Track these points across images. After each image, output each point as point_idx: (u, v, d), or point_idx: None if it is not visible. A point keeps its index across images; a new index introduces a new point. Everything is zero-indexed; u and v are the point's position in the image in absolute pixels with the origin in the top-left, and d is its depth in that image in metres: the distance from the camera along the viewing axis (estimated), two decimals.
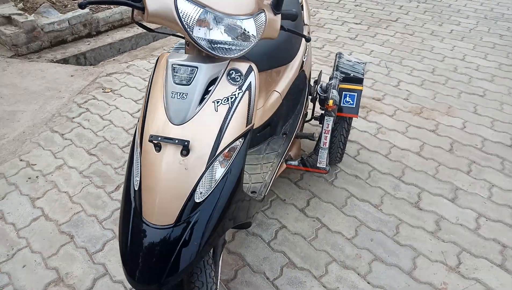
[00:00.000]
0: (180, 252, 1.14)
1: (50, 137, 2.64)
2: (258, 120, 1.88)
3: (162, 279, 1.12)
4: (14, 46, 3.65)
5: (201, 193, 1.17)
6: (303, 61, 2.08)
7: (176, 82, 1.19)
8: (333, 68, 2.08)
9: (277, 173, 1.87)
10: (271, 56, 1.80)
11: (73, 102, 3.03)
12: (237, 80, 1.25)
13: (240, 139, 1.24)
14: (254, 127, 1.84)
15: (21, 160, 2.44)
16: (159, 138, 1.15)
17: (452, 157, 2.45)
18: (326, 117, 1.89)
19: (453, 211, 2.08)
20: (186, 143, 1.14)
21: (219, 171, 1.20)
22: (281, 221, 2.04)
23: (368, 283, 1.73)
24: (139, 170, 1.22)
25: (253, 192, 1.72)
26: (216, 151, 1.18)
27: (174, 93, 1.18)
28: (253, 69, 1.28)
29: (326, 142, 1.93)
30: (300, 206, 2.12)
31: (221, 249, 1.47)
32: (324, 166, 1.98)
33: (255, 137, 1.94)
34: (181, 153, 1.15)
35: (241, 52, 1.18)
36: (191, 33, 1.11)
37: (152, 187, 1.16)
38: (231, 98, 1.23)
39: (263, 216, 2.07)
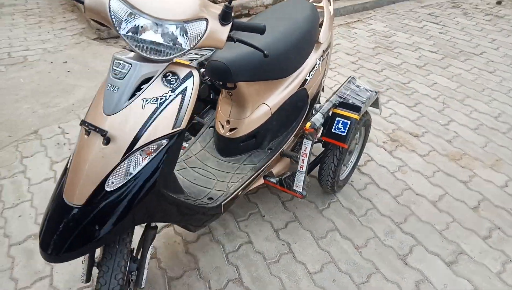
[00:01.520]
0: (81, 232, 1.20)
1: None
2: (242, 130, 1.88)
3: (60, 253, 1.20)
4: (97, 30, 4.16)
5: (112, 183, 1.22)
6: (306, 79, 2.00)
7: (113, 75, 1.25)
8: (335, 92, 1.97)
9: (248, 186, 1.84)
10: (265, 67, 1.77)
11: None
12: (172, 83, 1.27)
13: (165, 140, 1.26)
14: (237, 136, 1.85)
15: (59, 127, 2.79)
16: (86, 124, 1.23)
17: (474, 216, 2.11)
18: (304, 140, 1.80)
19: (444, 276, 1.79)
20: (104, 133, 1.20)
21: (137, 166, 1.24)
22: (251, 236, 1.99)
23: None
24: (74, 151, 1.32)
25: (210, 198, 1.72)
26: (133, 147, 1.22)
27: (110, 85, 1.25)
28: (193, 75, 1.29)
29: (303, 166, 1.83)
30: (276, 227, 2.05)
31: (149, 243, 1.49)
32: (300, 190, 1.87)
33: (237, 146, 1.93)
34: (103, 142, 1.22)
35: (171, 56, 1.20)
36: (118, 29, 1.17)
37: (75, 168, 1.25)
38: (161, 99, 1.25)
39: (235, 227, 2.04)
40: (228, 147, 1.94)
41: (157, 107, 1.25)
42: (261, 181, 1.95)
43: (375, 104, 2.31)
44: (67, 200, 1.23)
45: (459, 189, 2.29)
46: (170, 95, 1.26)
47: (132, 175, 1.23)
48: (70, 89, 3.26)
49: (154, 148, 1.25)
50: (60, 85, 3.33)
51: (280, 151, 1.96)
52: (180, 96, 1.27)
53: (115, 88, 1.23)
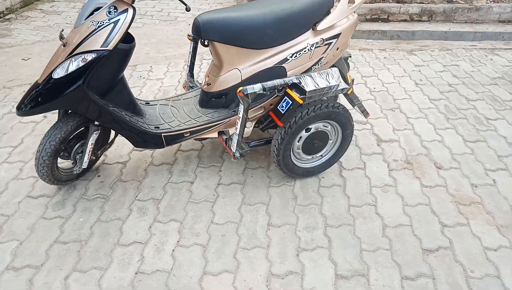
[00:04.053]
0: (35, 100, 1.82)
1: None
2: (215, 86, 2.19)
3: (24, 110, 1.84)
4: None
5: (57, 73, 1.79)
6: (287, 59, 2.11)
7: (84, 4, 1.82)
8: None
9: (196, 132, 2.14)
10: (239, 34, 2.01)
11: None
12: (111, 14, 1.74)
13: (94, 54, 1.76)
14: (210, 91, 2.19)
15: (150, 66, 3.62)
16: (62, 31, 1.84)
17: (416, 259, 1.82)
18: (240, 104, 1.95)
19: None
20: (62, 38, 1.79)
21: (71, 67, 1.77)
22: (197, 179, 2.29)
23: None
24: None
25: (156, 127, 2.12)
26: (73, 52, 1.76)
27: (82, 7, 1.82)
28: (127, 12, 1.74)
29: (237, 128, 2.00)
30: (221, 181, 2.27)
31: (91, 136, 2.01)
32: (234, 151, 2.05)
33: (209, 100, 2.24)
34: (62, 45, 1.82)
35: None
36: None
37: (50, 61, 1.89)
38: (100, 23, 1.75)
39: (193, 169, 2.37)
40: (203, 99, 2.27)
41: (95, 28, 1.75)
42: (215, 135, 2.21)
43: (360, 107, 2.20)
44: (39, 81, 1.86)
45: (426, 228, 1.96)
46: (106, 22, 1.74)
47: (69, 72, 1.77)
48: (183, 45, 4.09)
49: (88, 58, 1.76)
50: (180, 41, 4.20)
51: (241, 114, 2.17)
52: (112, 24, 1.74)
53: (80, 12, 1.80)
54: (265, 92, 1.92)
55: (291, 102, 1.93)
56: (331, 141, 2.21)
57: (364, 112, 2.21)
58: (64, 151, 2.05)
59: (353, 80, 2.61)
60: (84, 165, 2.06)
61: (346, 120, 2.11)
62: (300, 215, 2.06)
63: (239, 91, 1.88)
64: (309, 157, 2.23)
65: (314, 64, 2.20)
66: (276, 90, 2.02)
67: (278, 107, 2.00)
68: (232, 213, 2.07)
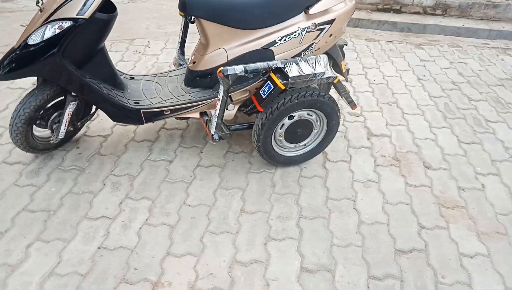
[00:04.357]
0: (12, 63, 1.77)
1: None
2: (200, 65, 2.12)
3: (3, 74, 1.80)
4: None
5: (33, 39, 1.74)
6: (275, 42, 2.02)
7: None
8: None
9: (177, 111, 2.09)
10: (226, 12, 1.94)
11: None
12: None
13: (70, 22, 1.70)
14: (195, 69, 2.12)
15: (148, 41, 3.55)
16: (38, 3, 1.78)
17: (387, 258, 1.76)
18: (220, 85, 1.88)
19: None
20: (39, 4, 1.73)
21: (47, 33, 1.72)
22: (176, 158, 2.24)
23: None
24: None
25: (136, 102, 2.07)
26: (48, 19, 1.70)
27: None
28: None
29: (216, 110, 1.93)
30: (201, 163, 2.22)
31: (68, 107, 1.96)
32: (213, 133, 1.99)
33: (194, 79, 2.18)
34: (39, 10, 1.76)
35: None
36: None
37: (28, 26, 1.83)
38: None
39: (174, 148, 2.32)
40: (187, 78, 2.21)
41: None
42: (197, 115, 2.15)
43: (348, 98, 2.11)
44: (15, 46, 1.82)
45: (403, 228, 1.89)
46: None
47: (44, 38, 1.72)
48: None
49: (65, 25, 1.70)
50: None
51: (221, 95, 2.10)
52: None
53: None
54: (247, 75, 1.85)
55: (273, 87, 1.86)
56: (315, 131, 2.14)
57: (351, 104, 2.12)
58: (41, 119, 2.02)
59: (348, 70, 2.52)
60: (61, 136, 2.02)
61: (332, 110, 2.03)
62: (276, 203, 2.00)
63: (219, 71, 1.81)
64: (292, 145, 2.16)
65: (305, 50, 2.11)
66: (260, 74, 1.94)
67: (260, 91, 1.93)
68: (206, 196, 2.02)
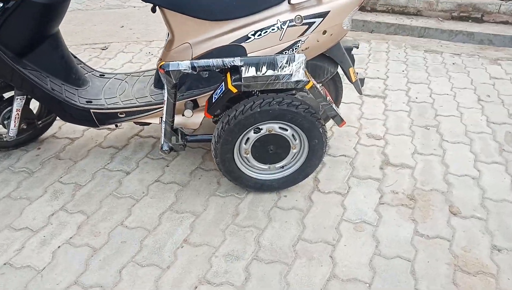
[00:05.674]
0: None
1: None
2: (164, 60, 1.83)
3: None
4: None
5: None
6: (248, 37, 1.65)
7: None
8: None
9: (133, 114, 1.81)
10: (187, 0, 1.64)
11: None
12: None
13: (1, 2, 1.52)
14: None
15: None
16: None
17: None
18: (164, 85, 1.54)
19: None
20: None
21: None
22: (138, 169, 1.94)
23: None
24: None
25: (88, 101, 1.82)
26: None
27: None
28: None
29: (163, 115, 1.59)
30: (157, 175, 1.89)
31: (15, 103, 1.78)
32: (162, 142, 1.65)
33: (160, 79, 1.88)
34: None
35: None
36: None
37: None
38: None
39: (137, 160, 2.02)
40: (156, 78, 1.93)
41: None
42: (156, 121, 1.84)
43: (329, 111, 1.62)
44: None
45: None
46: None
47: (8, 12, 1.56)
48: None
49: None
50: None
51: (186, 101, 1.77)
52: None
53: None
54: (194, 72, 1.49)
55: (224, 89, 1.47)
56: (294, 151, 1.68)
57: (336, 119, 1.63)
58: None
59: (362, 79, 2.03)
60: (12, 133, 1.85)
61: (311, 125, 1.57)
62: (230, 237, 1.58)
63: (160, 67, 1.48)
64: (265, 166, 1.72)
65: (287, 49, 1.70)
66: (214, 72, 1.56)
67: (213, 95, 1.55)
68: (150, 218, 1.67)
